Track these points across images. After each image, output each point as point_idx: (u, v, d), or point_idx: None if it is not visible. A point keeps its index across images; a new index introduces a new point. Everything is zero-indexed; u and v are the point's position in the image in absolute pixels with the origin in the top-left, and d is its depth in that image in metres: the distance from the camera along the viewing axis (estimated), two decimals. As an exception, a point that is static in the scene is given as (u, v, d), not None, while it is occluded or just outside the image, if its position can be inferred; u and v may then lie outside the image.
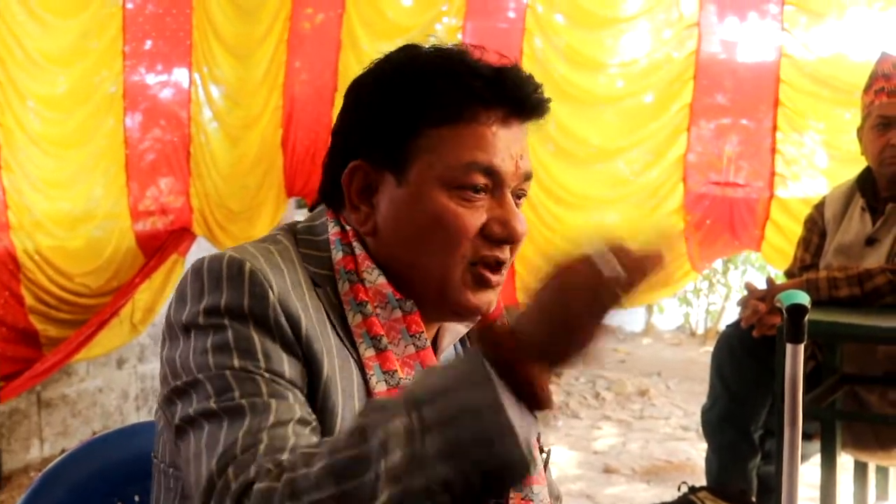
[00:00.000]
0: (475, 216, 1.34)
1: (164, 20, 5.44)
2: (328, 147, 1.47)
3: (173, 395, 1.25)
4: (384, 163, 1.37)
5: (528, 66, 4.91)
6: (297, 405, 1.21)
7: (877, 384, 3.26)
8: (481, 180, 1.34)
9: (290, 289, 1.28)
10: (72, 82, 4.97)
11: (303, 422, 1.20)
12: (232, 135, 5.60)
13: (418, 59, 1.40)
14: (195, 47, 5.43)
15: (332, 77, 5.40)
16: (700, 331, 9.68)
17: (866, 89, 3.48)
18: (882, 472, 3.62)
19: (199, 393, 1.21)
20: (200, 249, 5.80)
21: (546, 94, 1.41)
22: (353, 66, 5.23)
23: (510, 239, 1.36)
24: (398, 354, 1.34)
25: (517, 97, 1.37)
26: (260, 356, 1.22)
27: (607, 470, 5.27)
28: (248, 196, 5.62)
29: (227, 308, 1.24)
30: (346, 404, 1.28)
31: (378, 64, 1.42)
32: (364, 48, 5.26)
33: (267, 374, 1.21)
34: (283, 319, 1.25)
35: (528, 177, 1.40)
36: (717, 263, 9.45)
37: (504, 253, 1.37)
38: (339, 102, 5.25)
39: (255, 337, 1.23)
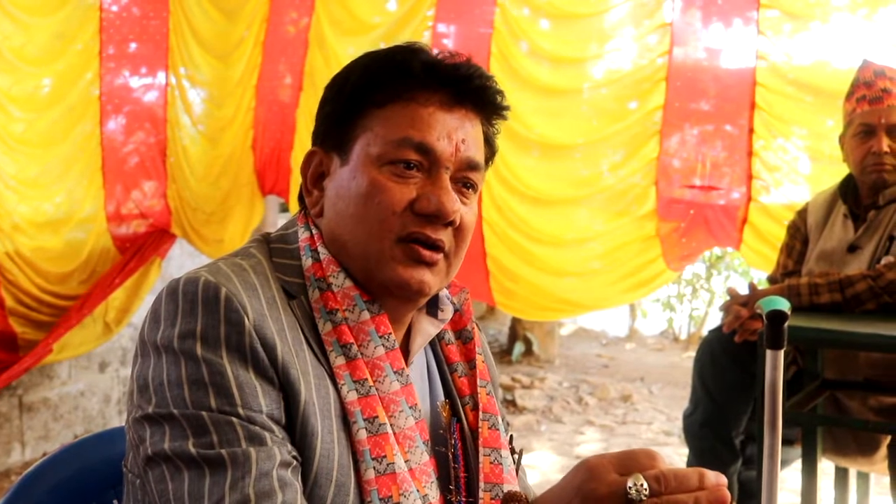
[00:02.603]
0: (405, 190, 1.36)
1: (142, 23, 5.45)
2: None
3: (144, 420, 1.25)
4: (333, 145, 1.44)
5: (495, 63, 4.92)
6: (275, 447, 1.22)
7: (857, 390, 3.27)
8: (414, 156, 1.37)
9: (265, 311, 1.29)
10: (49, 83, 4.96)
11: (284, 464, 1.22)
12: (211, 136, 5.60)
13: (371, 52, 1.46)
14: (172, 50, 5.43)
15: (298, 77, 5.41)
16: (683, 336, 9.73)
17: (848, 97, 3.50)
18: (863, 477, 3.63)
19: (174, 429, 1.22)
20: (183, 252, 5.79)
21: (503, 89, 1.46)
22: (319, 66, 5.23)
23: (439, 214, 1.36)
24: (368, 356, 1.35)
25: (456, 82, 1.40)
26: (235, 393, 1.22)
27: (590, 475, 5.27)
28: (220, 197, 5.62)
29: (202, 336, 1.24)
30: (324, 425, 1.29)
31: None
32: (332, 47, 5.24)
33: (243, 414, 1.22)
34: (258, 346, 1.25)
35: (472, 165, 1.42)
36: (701, 269, 9.50)
37: (436, 232, 1.37)
38: (303, 102, 5.25)
39: (230, 369, 1.23)
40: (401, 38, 5.08)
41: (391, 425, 1.32)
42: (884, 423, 3.26)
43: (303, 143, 5.31)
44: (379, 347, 1.36)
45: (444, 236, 1.38)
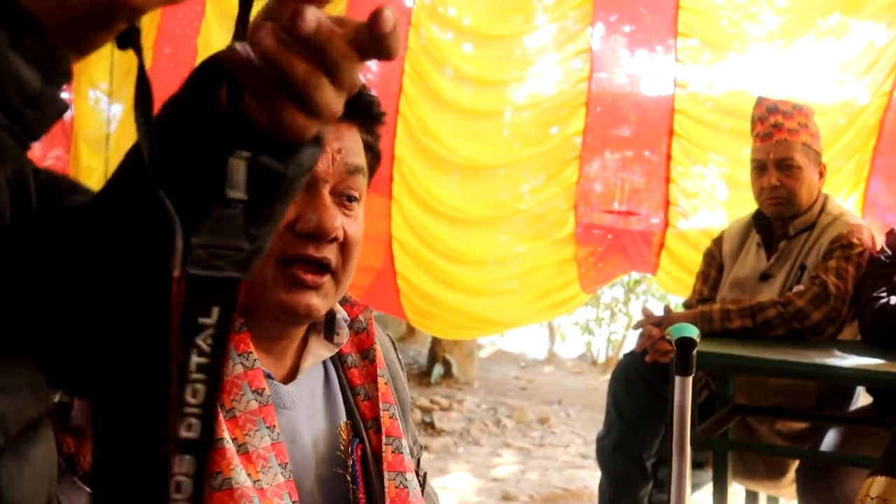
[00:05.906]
0: None
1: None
2: None
3: None
4: None
5: (408, 81, 4.87)
6: None
7: (767, 415, 3.32)
8: None
9: None
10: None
11: None
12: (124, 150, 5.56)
13: None
14: (89, 64, 5.35)
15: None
16: (601, 359, 9.79)
17: (750, 132, 3.57)
18: (772, 501, 3.68)
19: None
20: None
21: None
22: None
23: (319, 232, 1.32)
24: (227, 375, 1.32)
25: None
26: None
27: (506, 497, 5.27)
28: None
29: None
30: None
31: None
32: (218, 45, 5.14)
33: None
34: None
35: (351, 169, 1.37)
36: (619, 293, 9.59)
37: (320, 251, 1.33)
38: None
39: None
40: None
41: (247, 444, 1.30)
42: (791, 447, 3.32)
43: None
44: (238, 366, 1.33)
45: (329, 253, 1.34)
